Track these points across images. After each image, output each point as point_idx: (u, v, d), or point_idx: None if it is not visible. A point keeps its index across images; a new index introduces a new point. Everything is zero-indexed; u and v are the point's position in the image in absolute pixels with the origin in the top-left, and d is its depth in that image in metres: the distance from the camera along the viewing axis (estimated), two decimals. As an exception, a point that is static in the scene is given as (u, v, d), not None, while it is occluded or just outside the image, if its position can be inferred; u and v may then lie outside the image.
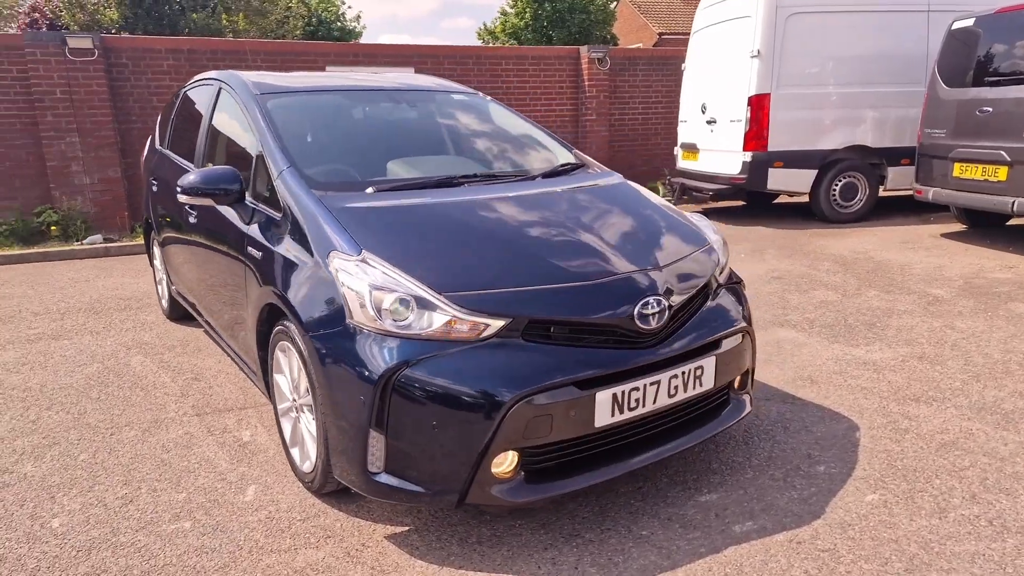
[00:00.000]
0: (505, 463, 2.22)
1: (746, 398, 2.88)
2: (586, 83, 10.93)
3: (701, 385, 2.54)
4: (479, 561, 2.28)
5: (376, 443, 2.20)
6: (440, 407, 2.13)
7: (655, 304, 2.41)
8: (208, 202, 3.10)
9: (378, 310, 2.22)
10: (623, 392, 2.30)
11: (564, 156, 3.65)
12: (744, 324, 2.75)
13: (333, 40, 22.09)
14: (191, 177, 3.05)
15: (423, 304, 2.22)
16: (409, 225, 2.61)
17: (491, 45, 24.90)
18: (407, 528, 2.46)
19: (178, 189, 3.09)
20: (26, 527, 2.51)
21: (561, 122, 11.04)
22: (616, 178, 3.42)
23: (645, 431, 2.49)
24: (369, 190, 2.83)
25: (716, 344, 2.60)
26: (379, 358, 2.18)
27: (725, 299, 2.81)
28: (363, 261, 2.36)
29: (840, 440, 3.06)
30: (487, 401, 2.12)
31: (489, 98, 4.11)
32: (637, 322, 2.37)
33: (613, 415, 2.30)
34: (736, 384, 2.84)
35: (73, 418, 3.44)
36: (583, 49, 10.96)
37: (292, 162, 2.91)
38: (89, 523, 2.53)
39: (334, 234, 2.51)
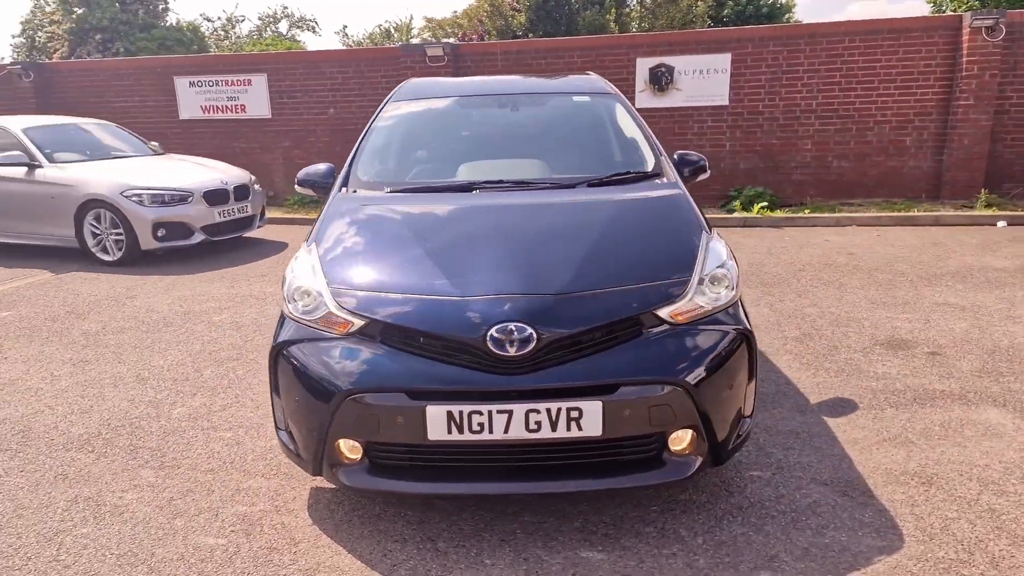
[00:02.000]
0: (350, 449, 2.43)
1: (694, 460, 2.43)
2: (965, 59, 8.79)
3: (580, 429, 2.29)
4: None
5: (276, 404, 2.64)
6: (300, 385, 2.45)
7: (516, 331, 2.27)
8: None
9: (290, 293, 2.63)
10: (460, 412, 2.27)
11: (647, 165, 3.39)
12: (681, 379, 2.33)
13: (760, 20, 21.14)
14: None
15: (319, 295, 2.55)
16: (375, 223, 2.92)
17: (863, 20, 20.94)
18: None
19: None
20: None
21: (921, 110, 9.13)
22: (663, 191, 3.08)
23: (513, 459, 2.38)
24: (386, 190, 3.20)
25: (608, 389, 2.29)
26: (277, 333, 2.60)
27: (672, 343, 2.40)
28: (307, 251, 2.79)
29: None
30: (325, 391, 2.37)
31: (619, 100, 3.96)
32: (490, 345, 2.28)
33: (451, 432, 2.29)
34: (686, 445, 2.42)
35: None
36: (967, 16, 8.80)
37: (352, 161, 3.46)
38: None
39: (317, 224, 2.98)
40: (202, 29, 24.93)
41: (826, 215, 8.72)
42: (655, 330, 2.41)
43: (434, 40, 20.63)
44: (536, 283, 2.43)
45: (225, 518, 2.67)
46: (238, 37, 28.89)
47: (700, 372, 2.37)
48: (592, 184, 3.22)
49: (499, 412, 2.27)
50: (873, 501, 2.67)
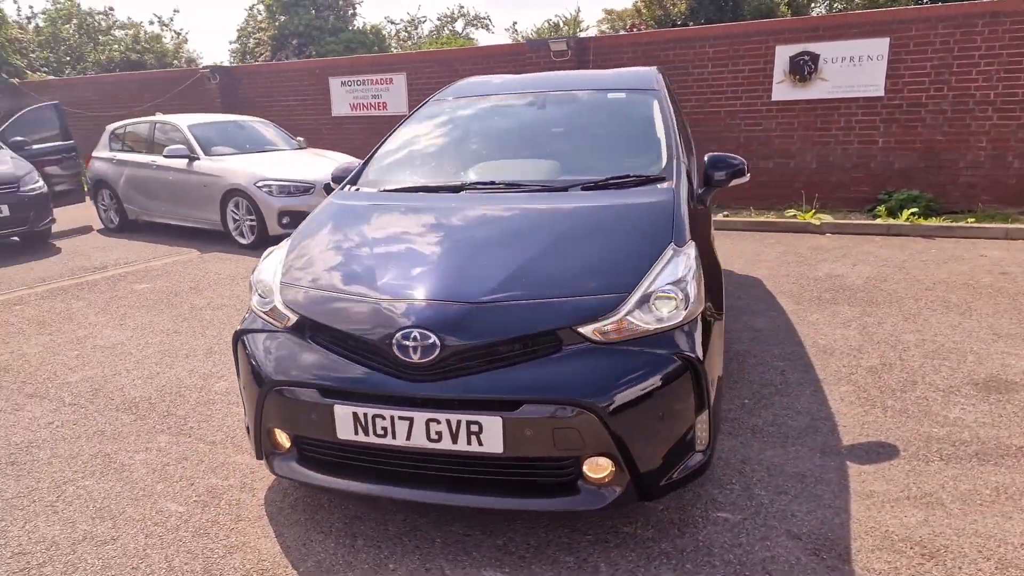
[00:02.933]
0: (285, 439, 2.53)
1: (611, 492, 2.23)
2: None
3: (481, 444, 2.20)
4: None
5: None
6: (245, 372, 2.59)
7: (420, 338, 2.22)
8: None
9: (254, 285, 2.78)
10: (365, 414, 2.27)
11: (654, 168, 3.15)
12: (589, 401, 2.14)
13: None
14: None
15: (270, 289, 2.67)
16: (346, 222, 2.99)
17: None
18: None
19: None
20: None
21: None
22: (649, 198, 2.85)
23: (422, 467, 2.34)
24: (380, 189, 3.26)
25: (511, 405, 2.16)
26: (241, 321, 2.77)
27: (588, 363, 2.21)
28: (283, 245, 2.93)
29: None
30: (259, 380, 2.48)
31: (657, 97, 3.68)
32: (395, 350, 2.25)
33: (357, 433, 2.30)
34: (605, 474, 2.23)
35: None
36: None
37: (368, 159, 3.57)
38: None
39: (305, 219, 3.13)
40: (384, 31, 26.78)
41: (994, 226, 7.45)
42: (574, 347, 2.24)
43: (610, 32, 20.41)
44: (458, 290, 2.36)
45: (197, 488, 2.91)
46: (419, 38, 30.68)
47: (616, 397, 2.17)
48: (587, 188, 3.05)
49: (401, 418, 2.25)
50: (844, 567, 2.27)
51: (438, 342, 2.22)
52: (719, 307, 3.13)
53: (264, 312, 2.64)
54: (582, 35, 23.82)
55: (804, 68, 8.76)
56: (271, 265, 2.80)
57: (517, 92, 3.98)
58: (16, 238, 8.45)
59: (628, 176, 3.08)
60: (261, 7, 25.03)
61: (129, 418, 3.61)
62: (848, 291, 5.46)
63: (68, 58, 22.06)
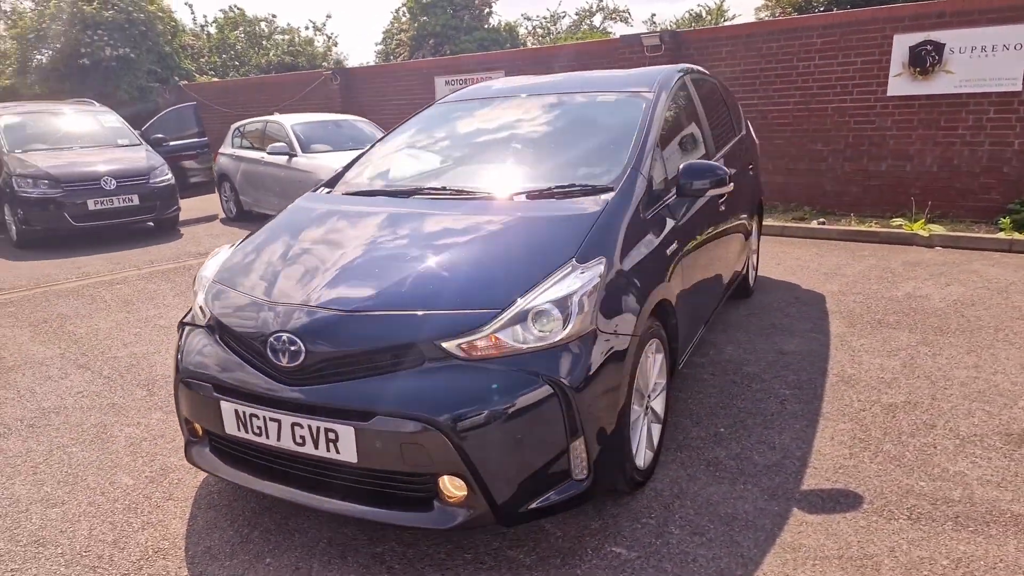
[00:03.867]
0: (199, 429, 2.69)
1: (461, 513, 2.16)
2: None
3: (338, 452, 2.21)
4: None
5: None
6: (174, 361, 2.77)
7: (288, 342, 2.27)
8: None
9: (197, 280, 2.96)
10: (244, 412, 2.36)
11: (604, 178, 2.98)
12: (435, 418, 2.09)
13: None
14: None
15: (203, 285, 2.84)
16: (288, 223, 3.12)
17: None
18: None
19: None
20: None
21: None
22: (574, 211, 2.71)
23: (289, 467, 2.40)
24: (341, 192, 3.36)
25: (365, 416, 2.15)
26: (186, 313, 2.96)
27: (444, 378, 2.16)
28: (228, 244, 3.11)
29: None
30: (176, 370, 2.66)
31: (647, 100, 3.45)
32: (268, 353, 2.32)
33: (239, 430, 2.40)
34: (459, 495, 2.17)
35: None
36: None
37: (351, 162, 3.70)
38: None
39: None
40: (521, 29, 27.15)
41: None
42: (437, 363, 2.19)
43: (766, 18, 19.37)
44: (335, 298, 2.39)
45: (154, 465, 3.16)
46: (557, 33, 30.77)
47: (467, 416, 2.10)
48: (532, 196, 2.94)
49: (271, 419, 2.32)
50: (712, 628, 2.04)
51: (303, 348, 2.26)
52: (669, 325, 2.92)
53: (197, 306, 2.82)
54: (731, 22, 22.69)
55: (926, 59, 7.79)
56: (213, 263, 2.98)
57: (509, 96, 3.91)
58: (151, 223, 9.56)
59: (574, 186, 2.94)
60: (405, 9, 26.30)
61: (142, 393, 3.99)
62: (920, 315, 4.83)
63: (236, 62, 24.46)
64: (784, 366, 4.01)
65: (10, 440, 3.44)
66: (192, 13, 38.48)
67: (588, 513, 2.61)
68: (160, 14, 18.55)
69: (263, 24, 25.76)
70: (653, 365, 2.80)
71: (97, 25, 17.19)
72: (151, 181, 9.15)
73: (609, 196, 2.80)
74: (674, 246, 3.01)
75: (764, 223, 6.66)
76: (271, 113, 11.17)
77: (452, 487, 2.19)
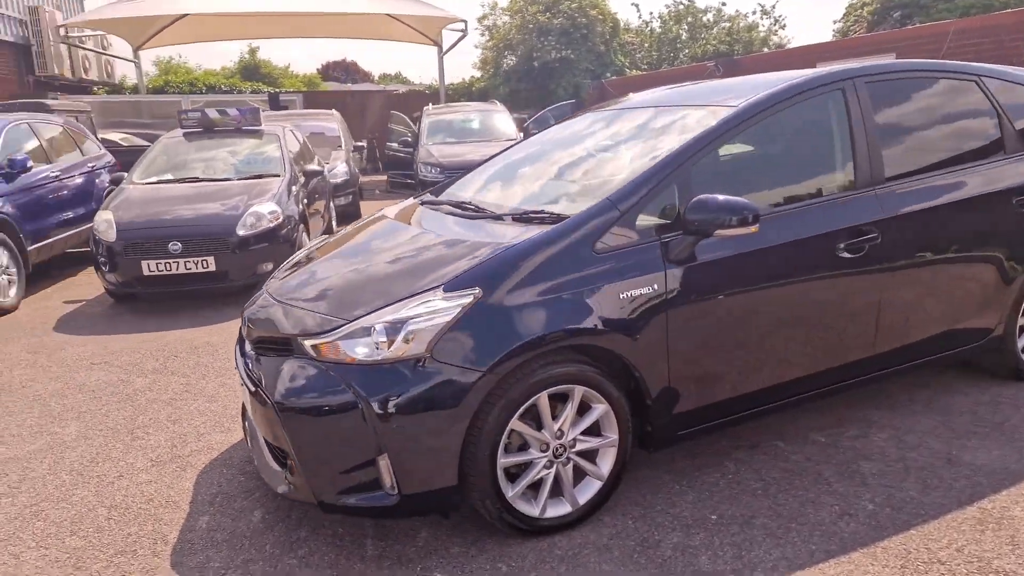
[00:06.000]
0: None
1: (290, 485, 2.54)
2: None
3: (252, 413, 2.79)
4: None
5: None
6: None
7: (245, 319, 2.90)
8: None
9: None
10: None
11: (570, 208, 2.77)
12: (274, 398, 2.48)
13: None
14: None
15: None
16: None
17: None
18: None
19: None
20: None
21: None
22: (506, 240, 2.61)
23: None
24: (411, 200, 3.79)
25: (256, 385, 2.64)
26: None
27: (291, 368, 2.50)
28: None
29: None
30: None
31: (723, 111, 2.92)
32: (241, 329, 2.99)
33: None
34: (292, 467, 2.52)
35: None
36: None
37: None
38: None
39: None
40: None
41: None
42: (302, 355, 2.50)
43: None
44: (284, 287, 2.91)
45: (180, 445, 3.44)
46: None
47: (292, 401, 2.43)
48: (516, 218, 2.89)
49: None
50: None
51: (251, 324, 2.86)
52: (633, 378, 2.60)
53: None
54: None
55: None
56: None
57: (618, 108, 3.72)
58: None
59: (543, 212, 2.79)
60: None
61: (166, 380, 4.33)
62: None
63: (672, 54, 25.57)
64: (918, 478, 2.91)
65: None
66: (638, 12, 40.96)
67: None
68: (601, 16, 20.68)
69: (709, 15, 26.17)
70: (571, 413, 2.54)
71: (548, 31, 20.19)
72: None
73: (547, 228, 2.61)
74: (670, 295, 2.60)
75: None
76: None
77: (287, 459, 2.53)
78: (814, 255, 2.90)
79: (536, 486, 2.56)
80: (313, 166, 7.18)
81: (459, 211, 3.19)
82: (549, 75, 20.29)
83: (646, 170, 2.74)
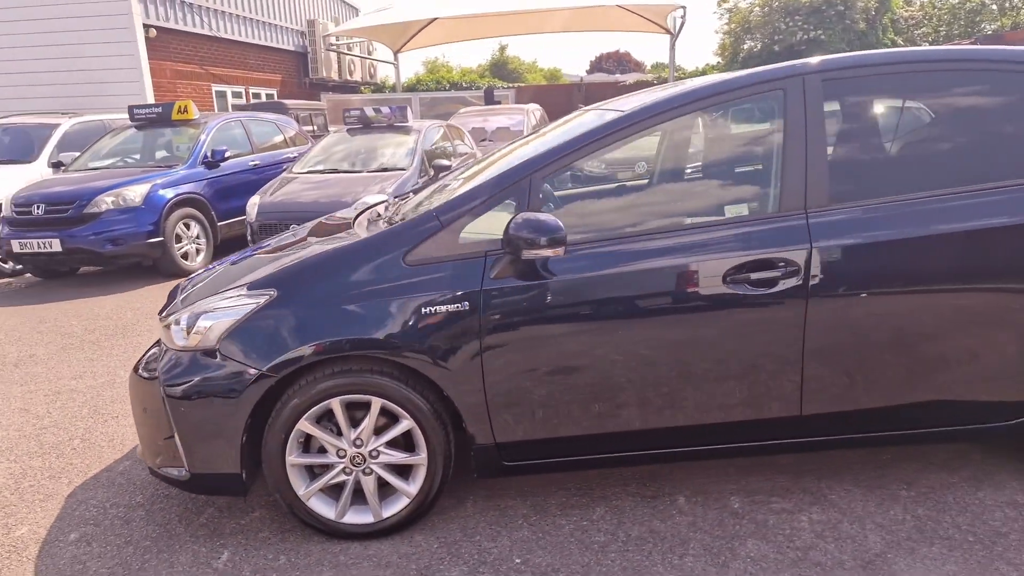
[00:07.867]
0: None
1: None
2: None
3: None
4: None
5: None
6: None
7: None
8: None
9: None
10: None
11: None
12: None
13: None
14: None
15: None
16: None
17: None
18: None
19: None
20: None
21: None
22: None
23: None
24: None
25: None
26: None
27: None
28: None
29: None
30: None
31: (611, 115, 2.58)
32: None
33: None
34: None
35: None
36: None
37: None
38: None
39: None
40: None
41: None
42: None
43: None
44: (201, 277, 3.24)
45: None
46: None
47: (137, 379, 2.75)
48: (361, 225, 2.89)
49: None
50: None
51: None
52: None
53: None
54: None
55: None
56: None
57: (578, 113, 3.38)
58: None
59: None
60: None
61: None
62: None
63: (968, 28, 21.35)
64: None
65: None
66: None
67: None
68: (863, -9, 18.10)
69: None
70: (369, 424, 2.50)
71: (795, 11, 18.26)
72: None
73: (366, 235, 2.58)
74: (486, 315, 2.41)
75: None
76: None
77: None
78: (683, 289, 2.43)
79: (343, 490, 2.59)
80: (443, 161, 7.62)
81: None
82: (792, 58, 18.34)
83: (484, 182, 2.57)
